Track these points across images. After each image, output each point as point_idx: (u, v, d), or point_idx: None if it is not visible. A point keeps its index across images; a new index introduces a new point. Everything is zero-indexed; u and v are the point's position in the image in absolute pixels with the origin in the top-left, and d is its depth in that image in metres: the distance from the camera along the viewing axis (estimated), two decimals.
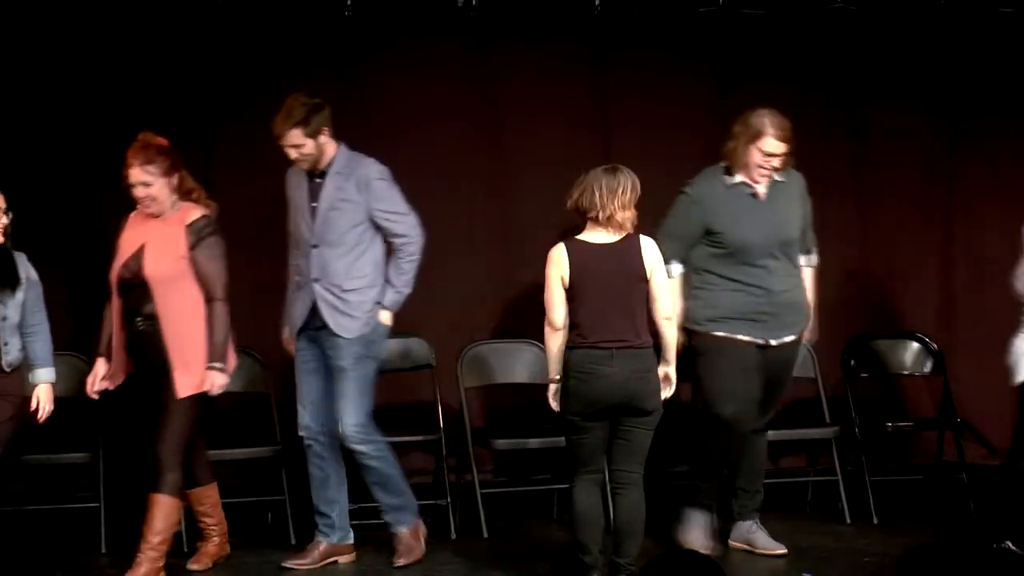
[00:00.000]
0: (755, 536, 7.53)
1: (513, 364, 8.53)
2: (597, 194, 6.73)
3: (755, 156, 7.24)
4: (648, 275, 6.78)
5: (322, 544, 7.43)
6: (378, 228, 7.30)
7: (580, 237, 6.82)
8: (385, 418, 8.67)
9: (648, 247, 6.81)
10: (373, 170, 7.30)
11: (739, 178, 7.31)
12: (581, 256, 6.77)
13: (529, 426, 8.36)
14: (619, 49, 9.15)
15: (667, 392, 6.88)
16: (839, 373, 8.67)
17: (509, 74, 9.10)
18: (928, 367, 8.81)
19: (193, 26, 8.62)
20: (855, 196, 9.48)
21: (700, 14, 9.16)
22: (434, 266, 8.96)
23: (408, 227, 7.32)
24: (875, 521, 8.08)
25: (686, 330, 7.32)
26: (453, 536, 7.89)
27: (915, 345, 8.82)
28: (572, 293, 6.78)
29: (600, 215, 6.73)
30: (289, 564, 7.34)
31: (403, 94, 8.96)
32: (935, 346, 8.80)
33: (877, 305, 9.41)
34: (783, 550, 7.46)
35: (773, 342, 7.32)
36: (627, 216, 6.75)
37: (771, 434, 8.33)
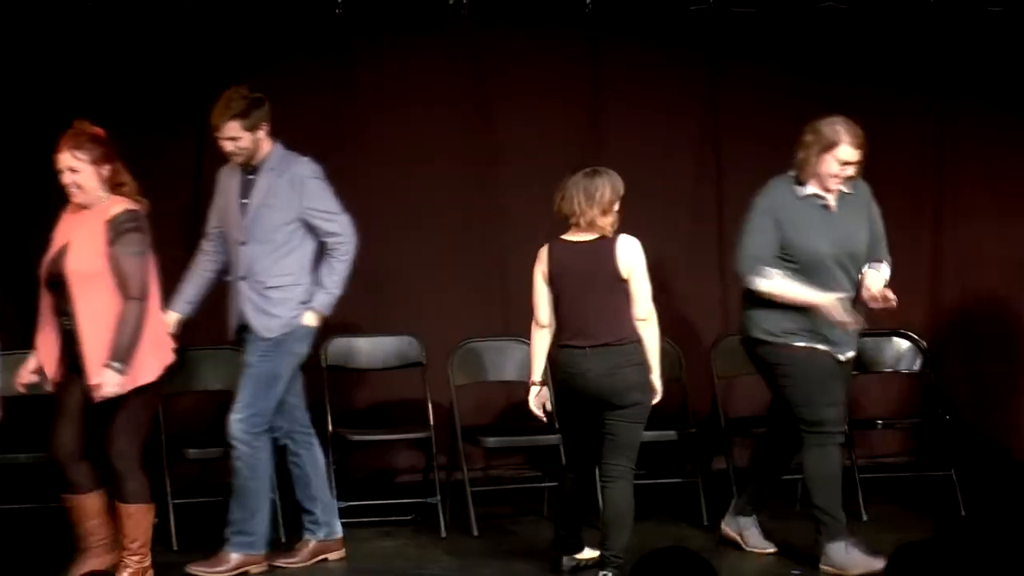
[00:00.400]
0: (750, 533, 7.50)
1: (503, 362, 8.52)
2: (575, 200, 6.83)
3: (830, 165, 7.05)
4: (625, 275, 6.83)
5: (310, 542, 7.40)
6: (310, 228, 7.16)
7: (564, 236, 6.93)
8: (375, 416, 8.72)
9: (625, 247, 6.85)
10: (307, 169, 7.19)
11: (810, 189, 7.12)
12: (561, 255, 6.90)
13: (519, 424, 8.36)
14: (611, 45, 9.16)
15: (653, 399, 6.96)
16: None
17: (501, 71, 9.11)
18: (917, 364, 8.81)
19: (185, 18, 8.61)
20: None
21: (691, 12, 9.17)
22: (425, 263, 9.00)
23: (341, 226, 7.19)
24: (864, 518, 8.08)
25: (761, 342, 7.16)
26: (443, 534, 7.88)
27: (904, 343, 8.81)
28: (554, 292, 6.91)
29: (581, 221, 6.84)
30: (279, 563, 7.32)
31: (395, 90, 8.96)
32: (924, 343, 8.80)
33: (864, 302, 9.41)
34: (773, 549, 7.47)
35: (841, 358, 7.17)
36: (607, 221, 6.85)
37: (759, 431, 8.35)
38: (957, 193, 9.57)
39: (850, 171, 7.09)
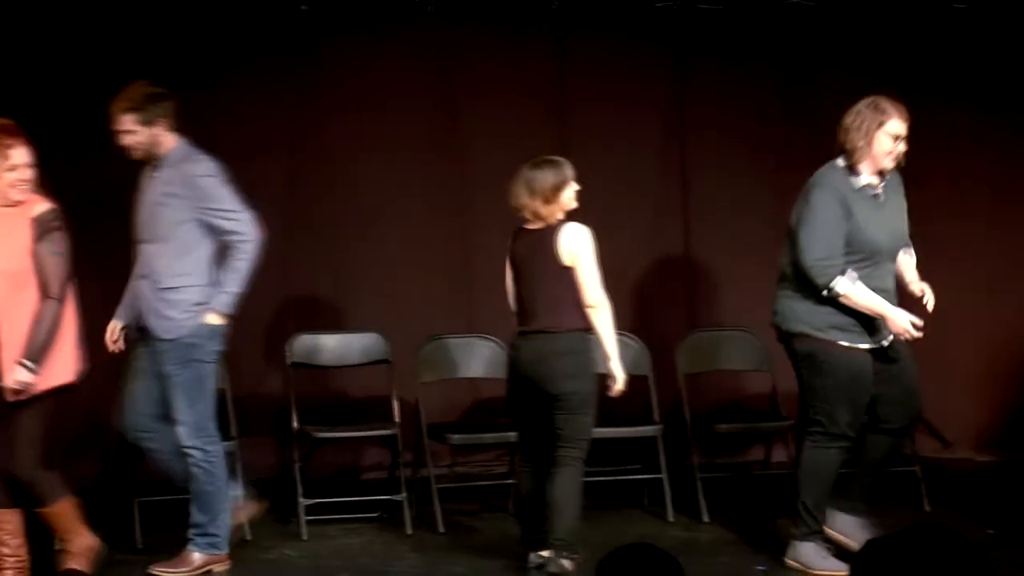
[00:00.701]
0: (856, 532, 7.11)
1: (470, 359, 8.51)
2: (519, 193, 6.93)
3: (883, 143, 6.93)
4: (568, 263, 6.87)
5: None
6: (210, 227, 6.97)
7: (523, 225, 7.03)
8: (341, 413, 8.70)
9: (568, 235, 6.88)
10: (200, 167, 6.99)
11: (864, 179, 6.98)
12: (516, 244, 7.04)
13: (485, 421, 8.36)
14: (577, 41, 9.18)
15: (616, 388, 6.96)
16: (790, 367, 8.67)
17: (468, 68, 9.12)
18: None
19: (149, 15, 8.59)
20: None
21: (657, 9, 9.18)
22: (392, 260, 8.99)
23: (241, 225, 6.98)
24: None
25: (802, 335, 7.02)
26: (409, 531, 7.86)
27: None
28: (513, 279, 7.05)
29: (526, 212, 6.94)
30: (155, 571, 7.13)
31: (361, 87, 8.97)
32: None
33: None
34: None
35: (884, 343, 7.03)
36: (550, 210, 6.90)
37: (725, 427, 8.37)
38: (921, 186, 9.57)
39: (902, 146, 6.98)
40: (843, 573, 6.67)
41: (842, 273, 6.87)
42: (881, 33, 9.45)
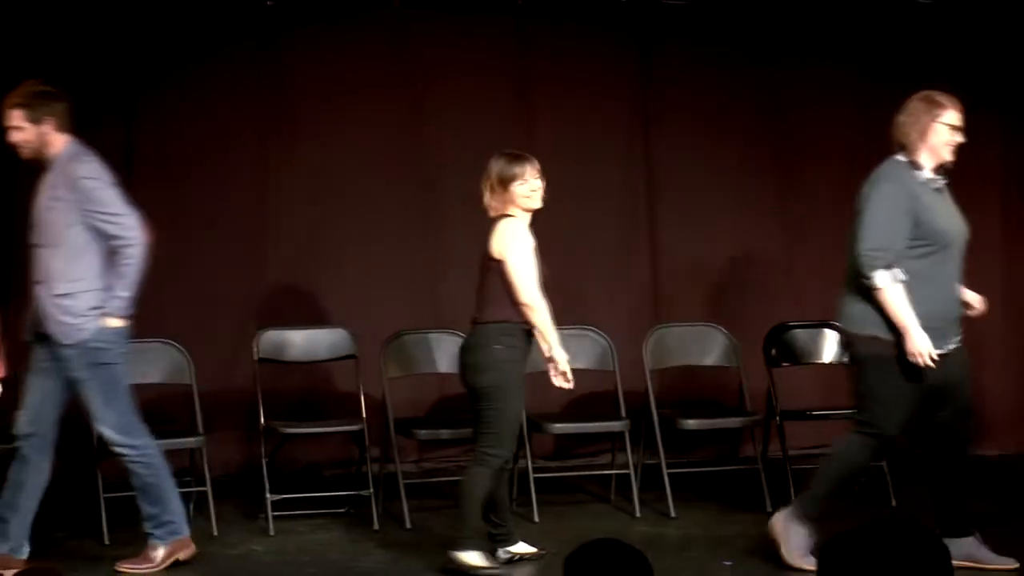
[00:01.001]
0: (980, 552, 7.02)
1: (436, 354, 8.50)
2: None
3: (941, 134, 6.80)
4: (498, 256, 6.89)
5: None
6: (96, 231, 6.86)
7: None
8: (307, 408, 8.69)
9: (500, 229, 6.90)
10: (83, 168, 6.89)
11: (927, 173, 6.85)
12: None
13: (452, 416, 8.35)
14: (542, 33, 9.22)
15: (560, 381, 7.01)
16: (760, 362, 8.70)
17: (433, 61, 9.12)
18: (847, 356, 8.83)
19: (116, 10, 8.58)
20: (776, 183, 9.56)
21: (623, 4, 9.20)
22: (357, 256, 8.98)
23: (125, 228, 6.85)
24: None
25: (872, 339, 6.82)
26: (376, 527, 7.86)
27: (835, 334, 8.83)
28: None
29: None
30: (122, 567, 7.08)
31: (327, 82, 8.98)
32: None
33: (797, 294, 9.46)
34: (1014, 564, 7.00)
35: (951, 347, 6.87)
36: (498, 201, 6.94)
37: (691, 423, 8.38)
38: None
39: (959, 137, 6.86)
40: (810, 569, 6.71)
41: (888, 268, 6.71)
42: (846, 24, 9.51)
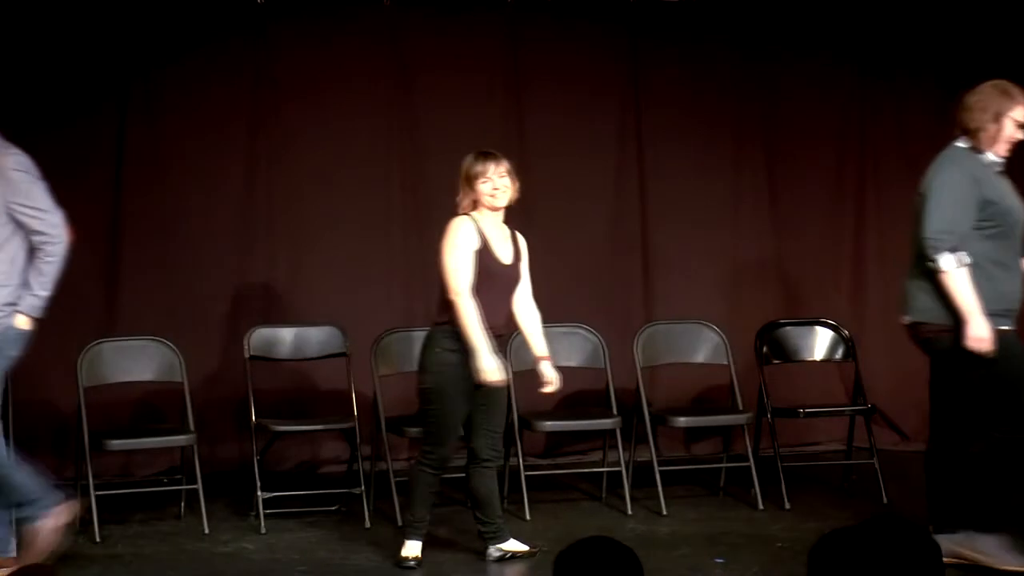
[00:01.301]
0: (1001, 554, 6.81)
1: None
2: None
3: (1009, 128, 6.70)
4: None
5: None
6: (19, 225, 6.60)
7: None
8: (299, 406, 8.69)
9: (447, 230, 6.89)
10: (10, 160, 6.58)
11: (990, 157, 6.74)
12: None
13: None
14: (532, 28, 9.22)
15: (548, 387, 7.02)
16: (751, 359, 8.71)
17: (424, 57, 9.12)
18: (839, 353, 8.85)
19: (104, 3, 8.56)
20: (767, 180, 9.56)
21: (612, 0, 9.22)
22: (348, 253, 8.97)
23: (48, 225, 6.58)
24: (787, 506, 8.11)
25: (945, 329, 6.63)
26: (367, 524, 7.85)
27: (827, 332, 8.86)
28: None
29: None
30: None
31: (315, 78, 8.98)
32: (847, 332, 8.85)
33: (789, 291, 9.48)
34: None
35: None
36: (461, 197, 6.95)
37: (682, 421, 8.39)
38: (879, 182, 9.64)
39: (1021, 134, 6.78)
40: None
41: (953, 251, 6.58)
42: (837, 19, 9.52)
